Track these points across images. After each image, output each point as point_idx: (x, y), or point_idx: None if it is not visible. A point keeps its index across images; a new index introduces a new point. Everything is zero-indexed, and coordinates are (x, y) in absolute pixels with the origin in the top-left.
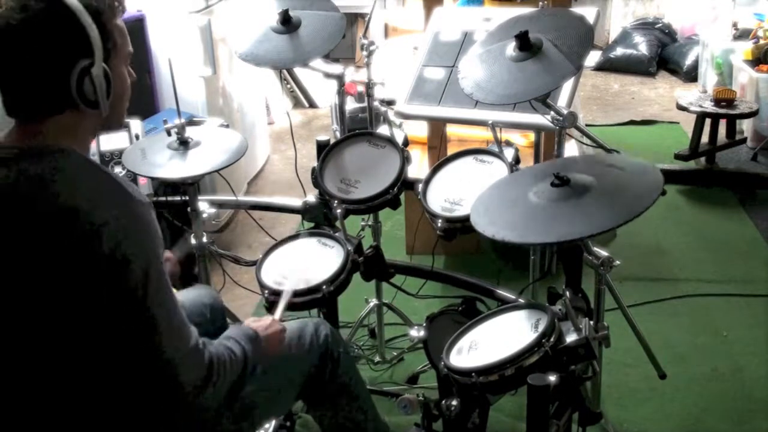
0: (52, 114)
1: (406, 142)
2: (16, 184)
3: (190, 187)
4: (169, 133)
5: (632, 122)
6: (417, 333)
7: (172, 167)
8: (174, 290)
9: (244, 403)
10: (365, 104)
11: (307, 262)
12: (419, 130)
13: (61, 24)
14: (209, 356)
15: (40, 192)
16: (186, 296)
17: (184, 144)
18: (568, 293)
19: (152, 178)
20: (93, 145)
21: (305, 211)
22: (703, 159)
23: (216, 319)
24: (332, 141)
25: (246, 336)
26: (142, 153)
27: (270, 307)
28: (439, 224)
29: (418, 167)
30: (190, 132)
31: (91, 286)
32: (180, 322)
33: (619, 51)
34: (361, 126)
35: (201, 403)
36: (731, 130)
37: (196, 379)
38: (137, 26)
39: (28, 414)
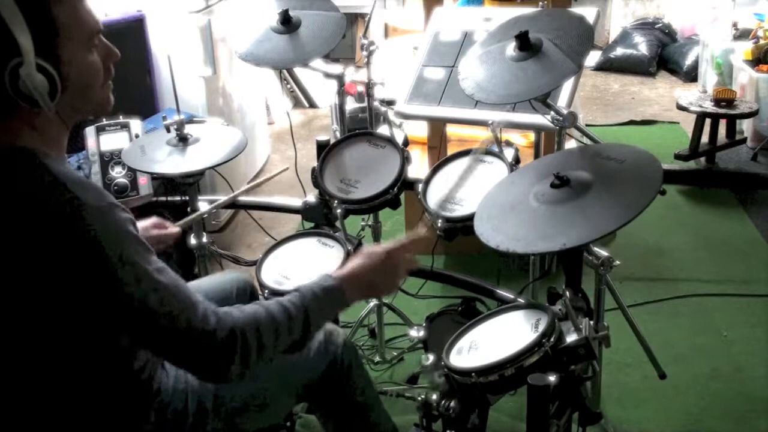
0: (8, 114)
1: (406, 142)
2: None
3: (190, 186)
4: (168, 130)
5: (632, 122)
6: (417, 333)
7: (172, 163)
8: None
9: (231, 407)
10: (365, 104)
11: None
12: (419, 130)
13: None
14: (229, 329)
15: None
16: (210, 280)
17: (183, 140)
18: (568, 293)
19: (152, 175)
20: (93, 146)
21: (305, 211)
22: (703, 159)
23: (242, 302)
24: (332, 141)
25: (315, 297)
26: (141, 150)
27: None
28: (439, 224)
29: (418, 167)
30: (190, 129)
31: (63, 288)
32: (178, 303)
33: (619, 51)
34: (361, 126)
35: (230, 377)
36: (731, 130)
37: (215, 356)
38: (137, 26)
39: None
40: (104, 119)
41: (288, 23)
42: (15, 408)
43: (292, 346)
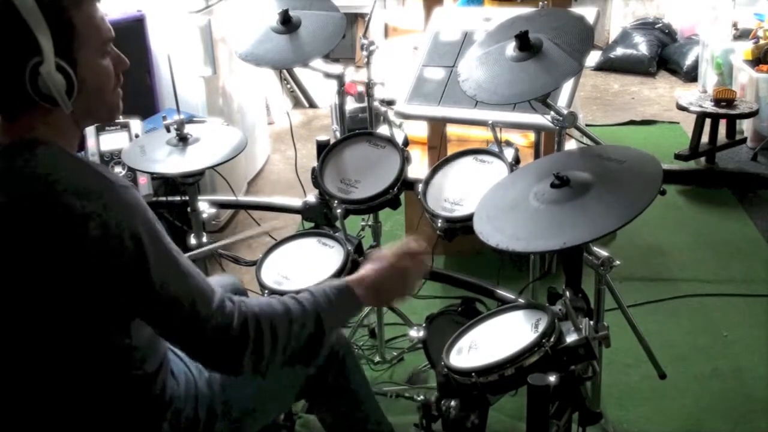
0: (25, 111)
1: (406, 142)
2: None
3: (190, 186)
4: (168, 130)
5: (632, 122)
6: (417, 333)
7: (171, 163)
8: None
9: (241, 405)
10: (365, 104)
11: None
12: (419, 130)
13: (7, 23)
14: (244, 317)
15: (20, 185)
16: None
17: (183, 140)
18: (568, 293)
19: (152, 175)
20: (93, 145)
21: (305, 211)
22: (703, 159)
23: None
24: (332, 141)
25: (324, 294)
26: (141, 150)
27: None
28: (439, 224)
29: (418, 167)
30: (190, 129)
31: (85, 272)
32: (197, 289)
33: (619, 51)
34: (361, 126)
35: (244, 367)
36: (731, 130)
37: (229, 344)
38: (137, 26)
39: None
40: None
41: (288, 23)
42: (30, 422)
43: (309, 349)
